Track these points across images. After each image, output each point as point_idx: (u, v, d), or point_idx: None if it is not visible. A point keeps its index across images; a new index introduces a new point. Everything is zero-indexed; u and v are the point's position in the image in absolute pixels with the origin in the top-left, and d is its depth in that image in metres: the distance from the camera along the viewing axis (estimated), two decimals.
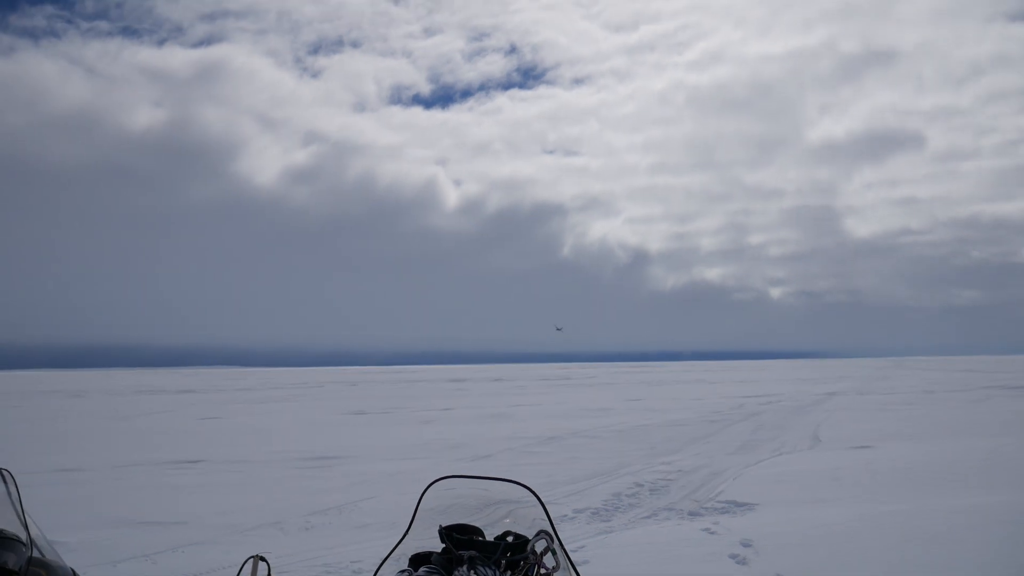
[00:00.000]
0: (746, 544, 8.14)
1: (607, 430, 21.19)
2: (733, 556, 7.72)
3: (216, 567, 7.75)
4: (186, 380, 72.41)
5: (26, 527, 3.84)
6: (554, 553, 2.64)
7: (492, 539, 2.78)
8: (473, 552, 2.60)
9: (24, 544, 3.80)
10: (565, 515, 10.12)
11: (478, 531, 2.81)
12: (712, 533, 8.84)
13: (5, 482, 3.89)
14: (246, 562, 3.45)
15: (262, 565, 3.46)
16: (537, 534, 2.67)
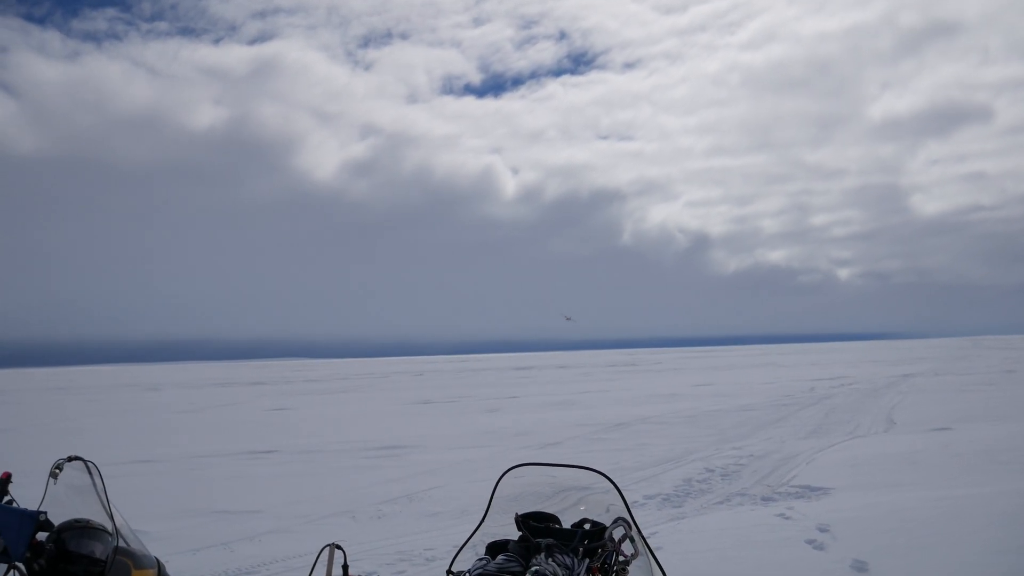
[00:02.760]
0: (822, 529, 7.97)
1: (676, 416, 20.98)
2: (810, 541, 7.56)
3: (292, 555, 7.87)
4: (255, 372, 73.89)
5: (111, 517, 3.94)
6: (632, 540, 2.59)
7: (569, 527, 2.74)
8: (551, 540, 2.57)
9: (110, 534, 3.90)
10: (636, 501, 10.04)
11: (554, 518, 2.77)
12: (787, 519, 8.67)
13: (90, 474, 3.99)
14: (322, 550, 3.49)
15: (338, 553, 3.50)
16: (615, 521, 2.63)
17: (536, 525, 2.69)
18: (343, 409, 28.17)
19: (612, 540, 2.59)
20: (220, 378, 61.53)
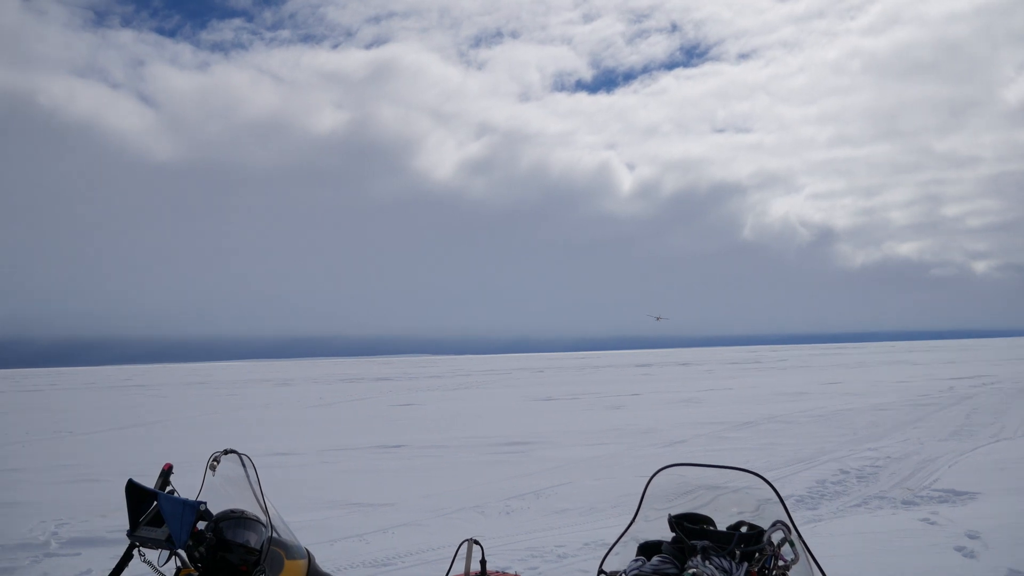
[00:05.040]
0: (972, 536, 7.58)
1: (804, 415, 20.37)
2: (959, 549, 7.20)
3: (423, 548, 8.02)
4: (381, 368, 75.73)
5: (265, 509, 4.11)
6: (792, 544, 2.51)
7: (723, 529, 2.69)
8: (706, 542, 2.53)
9: (264, 524, 4.07)
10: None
11: (708, 520, 2.73)
12: (932, 523, 8.29)
13: (244, 466, 4.18)
14: (461, 545, 3.57)
15: (476, 548, 3.57)
16: (773, 524, 2.56)
17: (690, 527, 2.64)
18: (467, 405, 28.55)
19: (771, 544, 2.52)
20: (347, 374, 63.32)
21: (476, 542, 3.48)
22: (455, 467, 13.59)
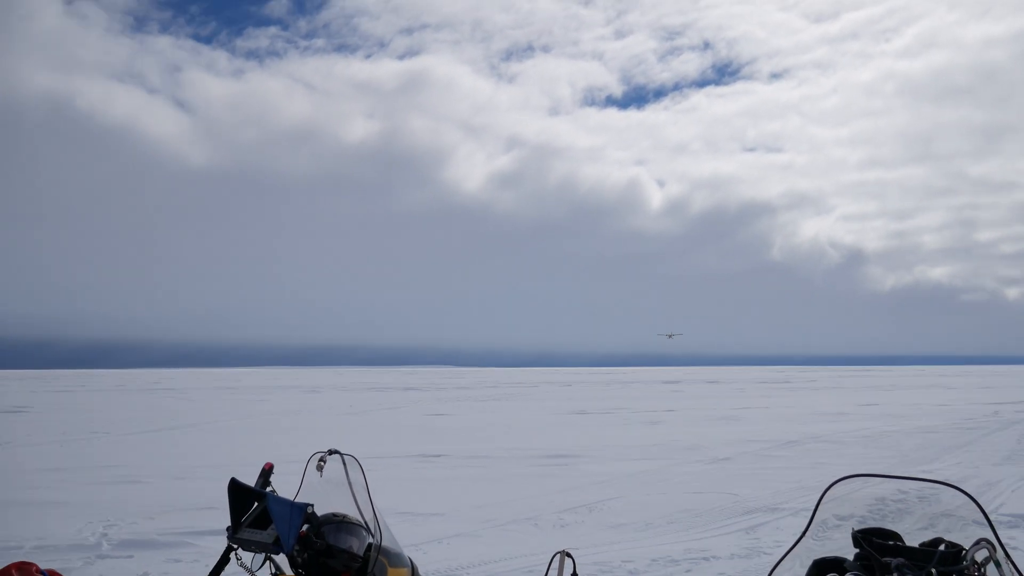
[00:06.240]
0: None
1: (848, 435, 19.97)
2: None
3: (487, 560, 7.82)
4: (407, 378, 75.73)
5: (373, 514, 3.92)
6: (999, 565, 2.28)
7: (916, 545, 2.45)
8: (902, 559, 2.29)
9: (367, 530, 3.87)
10: (828, 521, 9.49)
11: (896, 536, 2.49)
12: (1013, 548, 7.96)
13: (346, 468, 3.98)
14: (554, 557, 3.36)
15: (568, 561, 3.36)
16: (976, 542, 2.32)
17: (880, 543, 2.41)
18: (500, 416, 28.32)
19: (975, 563, 2.29)
20: (374, 383, 63.33)
21: (568, 554, 3.31)
22: (500, 478, 13.37)
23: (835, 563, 2.46)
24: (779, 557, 2.60)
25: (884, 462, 15.12)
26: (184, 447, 18.29)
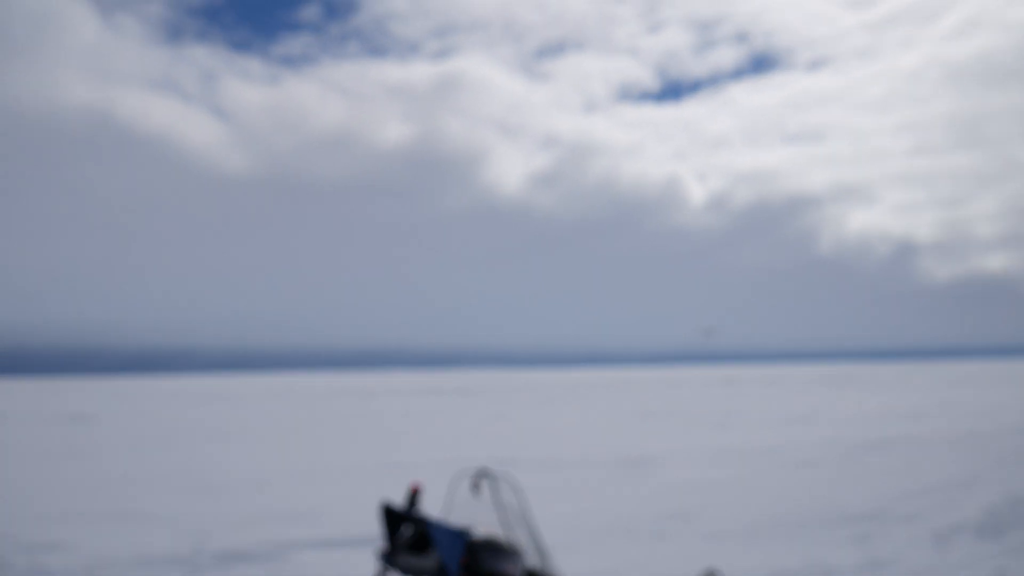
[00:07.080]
0: None
1: (936, 436, 19.23)
2: None
3: (600, 572, 7.42)
4: (458, 381, 75.75)
5: (531, 536, 3.60)
6: None
7: None
8: None
9: (521, 553, 3.55)
10: (938, 530, 8.93)
11: None
12: None
13: (497, 487, 3.67)
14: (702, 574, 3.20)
15: None
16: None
17: None
18: (562, 419, 27.95)
19: None
20: (426, 386, 63.41)
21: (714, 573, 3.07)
22: (578, 485, 12.96)
23: None
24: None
25: (985, 462, 14.38)
26: (259, 455, 18.23)
